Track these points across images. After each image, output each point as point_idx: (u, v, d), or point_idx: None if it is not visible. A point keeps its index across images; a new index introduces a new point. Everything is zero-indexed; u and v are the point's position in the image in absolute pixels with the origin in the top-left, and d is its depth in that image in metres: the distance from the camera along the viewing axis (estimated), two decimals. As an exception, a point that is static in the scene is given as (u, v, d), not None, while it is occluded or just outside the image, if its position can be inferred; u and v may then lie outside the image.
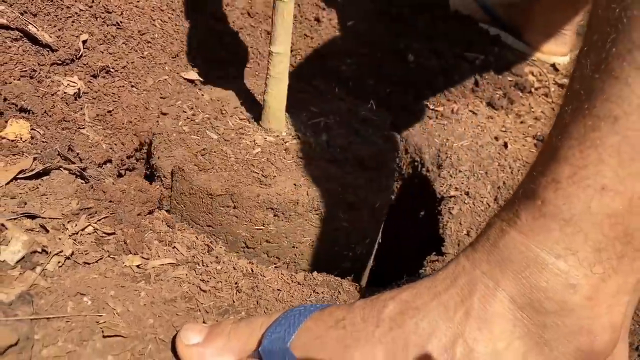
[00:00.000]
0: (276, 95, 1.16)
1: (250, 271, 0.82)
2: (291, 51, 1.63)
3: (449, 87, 1.43)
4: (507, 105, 1.43)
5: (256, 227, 1.03)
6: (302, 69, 1.54)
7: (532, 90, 1.54)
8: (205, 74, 1.45)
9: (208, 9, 1.51)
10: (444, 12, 1.81)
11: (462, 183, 1.18)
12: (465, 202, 1.15)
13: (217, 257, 0.83)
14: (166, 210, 1.11)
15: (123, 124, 1.21)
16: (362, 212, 1.11)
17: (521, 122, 1.39)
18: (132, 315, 0.70)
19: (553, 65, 1.84)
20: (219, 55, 1.49)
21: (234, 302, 0.74)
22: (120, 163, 1.17)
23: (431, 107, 1.39)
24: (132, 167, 1.26)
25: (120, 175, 1.19)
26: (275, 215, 1.02)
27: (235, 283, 0.77)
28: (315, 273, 0.88)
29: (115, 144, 1.17)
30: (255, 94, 1.36)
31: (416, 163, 1.31)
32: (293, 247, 1.06)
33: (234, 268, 0.81)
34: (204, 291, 0.74)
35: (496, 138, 1.30)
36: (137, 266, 0.77)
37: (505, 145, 1.27)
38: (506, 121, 1.38)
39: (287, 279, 0.82)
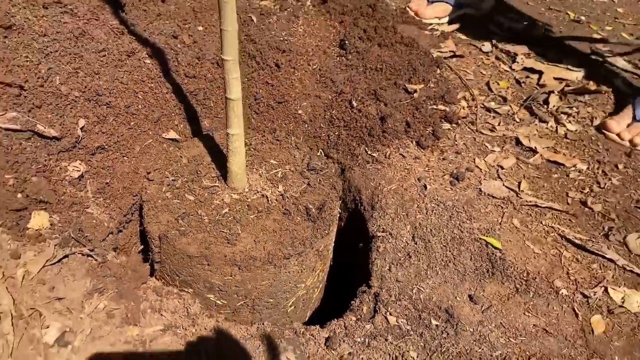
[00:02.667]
0: (236, 163, 1.47)
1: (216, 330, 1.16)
2: (255, 99, 1.92)
3: (385, 132, 1.72)
4: (434, 143, 1.72)
5: (226, 277, 1.36)
6: (264, 116, 1.83)
7: (459, 121, 1.81)
8: (183, 131, 1.74)
9: (181, 68, 1.77)
10: (393, 37, 2.02)
11: (388, 224, 1.50)
12: (389, 241, 1.47)
13: (193, 320, 1.17)
14: (157, 262, 1.44)
15: (119, 191, 1.52)
16: (309, 256, 1.44)
17: (443, 159, 1.68)
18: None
19: (487, 84, 2.09)
20: (193, 111, 1.78)
21: None
22: (118, 224, 1.50)
23: (369, 152, 1.69)
24: (129, 220, 1.58)
25: (119, 231, 1.52)
26: (239, 269, 1.35)
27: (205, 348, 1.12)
28: (266, 323, 1.22)
29: (114, 210, 1.49)
30: (224, 149, 1.65)
31: (357, 202, 1.62)
32: (255, 288, 1.40)
33: (205, 328, 1.15)
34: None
35: (419, 179, 1.60)
36: (136, 335, 1.11)
37: (425, 187, 1.58)
38: (430, 159, 1.68)
39: (244, 333, 1.17)
